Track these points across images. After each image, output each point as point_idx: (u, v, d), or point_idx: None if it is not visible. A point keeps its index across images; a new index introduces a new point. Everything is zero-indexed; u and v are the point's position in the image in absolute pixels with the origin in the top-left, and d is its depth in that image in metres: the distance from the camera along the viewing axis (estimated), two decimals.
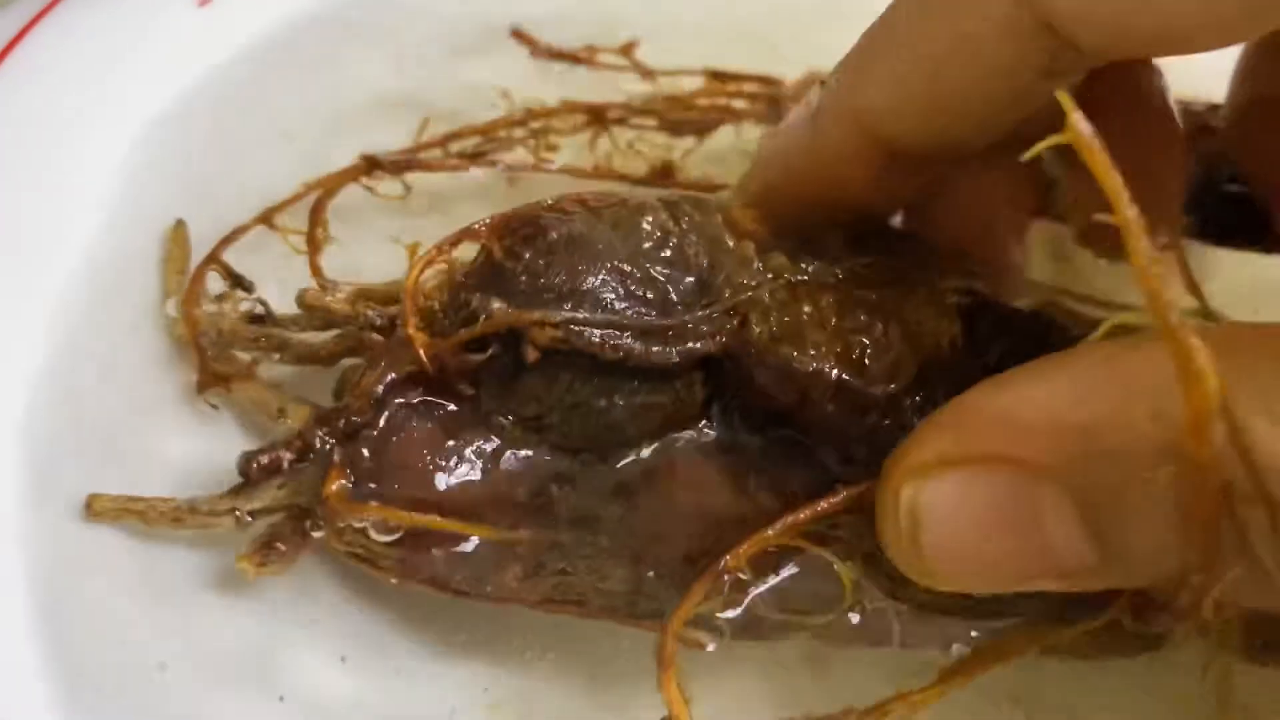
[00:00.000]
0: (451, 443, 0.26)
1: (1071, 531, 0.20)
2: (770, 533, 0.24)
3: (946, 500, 0.21)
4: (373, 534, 0.25)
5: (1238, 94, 0.32)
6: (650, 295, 0.25)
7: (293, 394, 0.28)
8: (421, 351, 0.25)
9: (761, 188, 0.29)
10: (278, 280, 0.31)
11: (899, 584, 0.24)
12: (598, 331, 0.25)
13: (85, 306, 0.31)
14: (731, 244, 0.26)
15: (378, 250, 0.32)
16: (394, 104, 0.36)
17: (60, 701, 0.25)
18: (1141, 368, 0.19)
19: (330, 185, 0.33)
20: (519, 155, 0.35)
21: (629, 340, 0.25)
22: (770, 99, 0.39)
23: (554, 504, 0.25)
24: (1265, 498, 0.18)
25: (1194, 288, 0.31)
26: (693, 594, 0.24)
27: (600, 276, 0.25)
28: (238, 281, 0.30)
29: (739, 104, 0.39)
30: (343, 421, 0.25)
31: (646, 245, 0.26)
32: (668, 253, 0.26)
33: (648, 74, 0.38)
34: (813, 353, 0.25)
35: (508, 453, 0.26)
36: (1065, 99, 0.18)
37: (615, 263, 0.25)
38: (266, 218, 0.32)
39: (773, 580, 0.25)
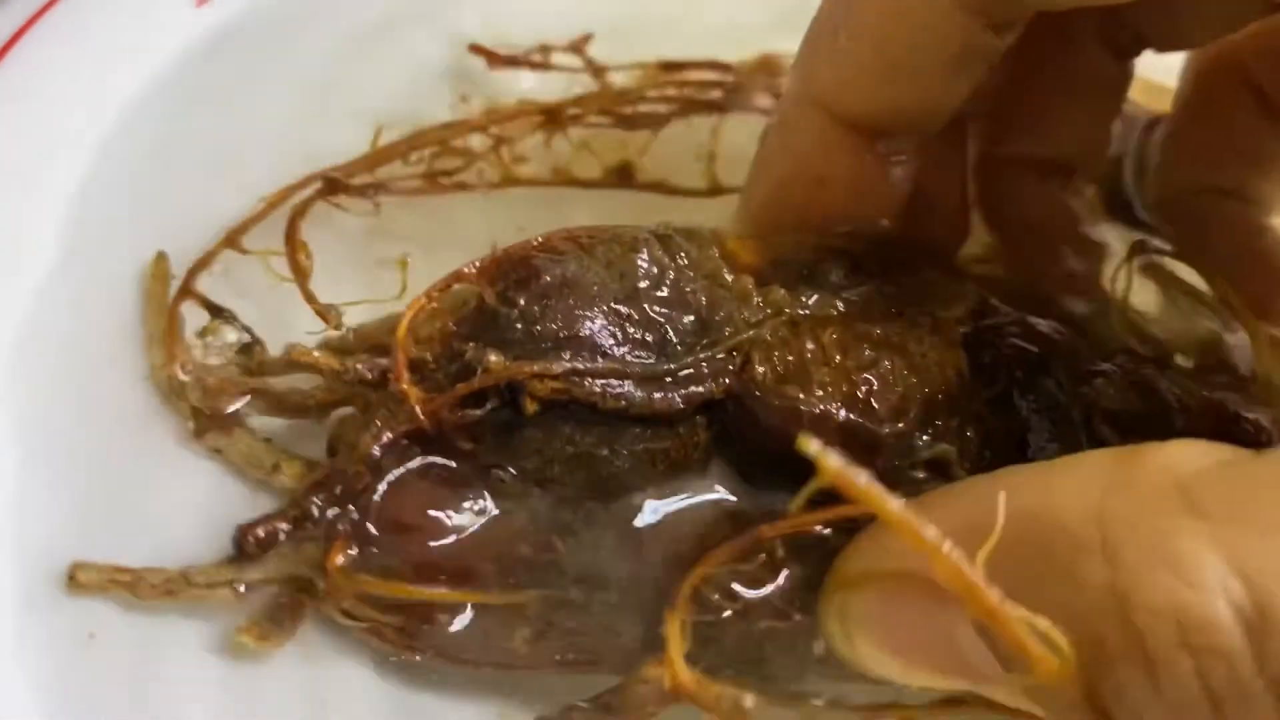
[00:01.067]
0: (452, 501, 0.25)
1: (978, 647, 0.20)
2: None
3: (869, 611, 0.22)
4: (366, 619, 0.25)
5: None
6: (649, 337, 0.25)
7: (283, 446, 0.28)
8: (418, 409, 0.25)
9: (760, 206, 0.29)
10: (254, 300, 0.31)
11: None
12: (598, 381, 0.24)
13: (59, 331, 0.30)
14: (730, 279, 0.26)
15: (347, 260, 0.33)
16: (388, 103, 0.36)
17: None
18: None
19: (286, 200, 0.33)
20: (482, 167, 0.35)
21: (630, 388, 0.25)
22: (723, 86, 0.40)
23: (560, 560, 0.25)
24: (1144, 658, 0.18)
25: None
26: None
27: (597, 320, 0.25)
28: (217, 312, 0.30)
29: (690, 93, 0.39)
30: (339, 487, 0.25)
31: (642, 284, 0.26)
32: (664, 291, 0.26)
33: (599, 70, 0.38)
34: (819, 393, 0.25)
35: (510, 508, 0.25)
36: (805, 444, 0.18)
37: (612, 304, 0.25)
38: (232, 240, 0.31)
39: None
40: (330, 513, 0.25)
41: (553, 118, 0.36)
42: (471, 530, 0.25)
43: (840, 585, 0.23)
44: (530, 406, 0.25)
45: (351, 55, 0.37)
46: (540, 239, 0.26)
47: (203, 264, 0.31)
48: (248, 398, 0.28)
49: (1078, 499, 0.19)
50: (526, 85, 0.38)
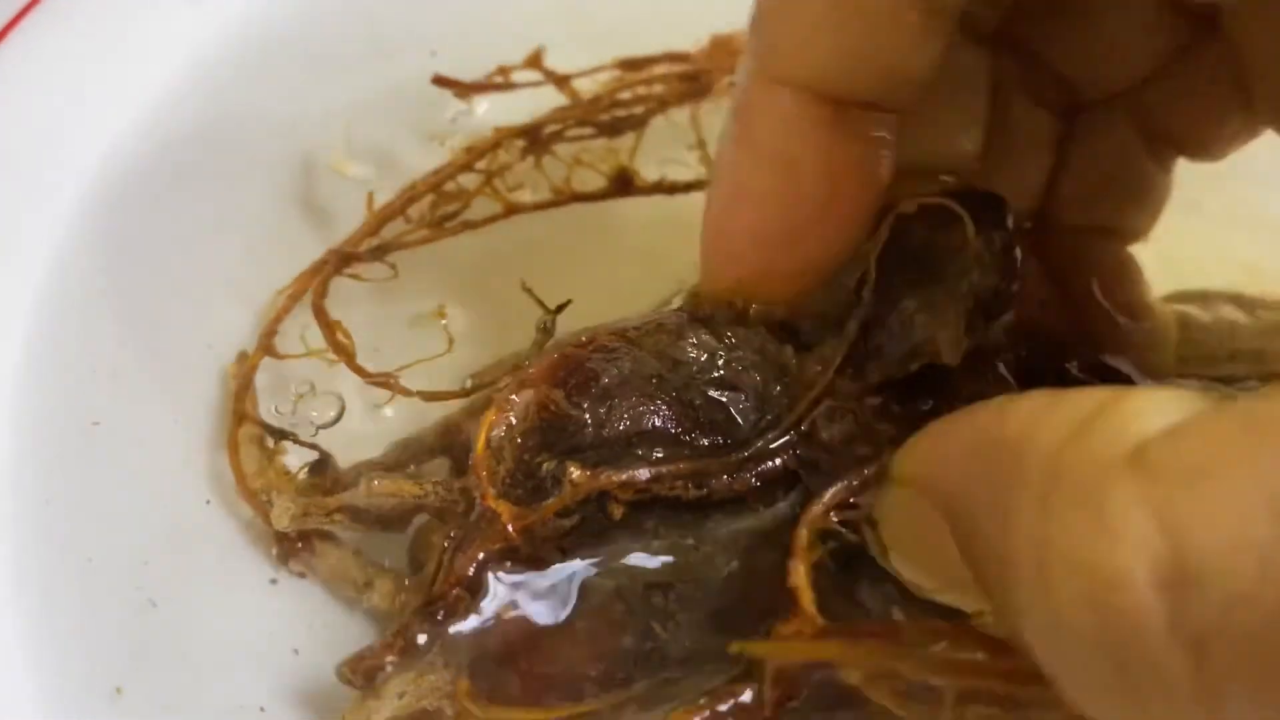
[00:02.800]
0: (550, 610, 0.25)
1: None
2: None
3: (894, 509, 0.23)
4: None
5: None
6: (715, 419, 0.25)
7: (371, 561, 0.27)
8: (511, 527, 0.24)
9: (722, 223, 0.27)
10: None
11: None
12: (679, 480, 0.25)
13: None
14: (774, 352, 0.26)
15: (379, 324, 0.32)
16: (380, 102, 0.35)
17: None
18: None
19: (307, 289, 0.31)
20: (484, 202, 0.34)
21: (710, 479, 0.25)
22: (684, 75, 0.39)
23: (663, 646, 0.25)
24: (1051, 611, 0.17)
25: None
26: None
27: (663, 414, 0.25)
28: (279, 435, 0.29)
29: (659, 88, 0.38)
30: (441, 613, 0.24)
31: (695, 370, 0.26)
32: (719, 373, 0.26)
33: (561, 80, 0.37)
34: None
35: (605, 604, 0.25)
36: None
37: (674, 395, 0.26)
38: (267, 346, 0.30)
39: None
40: (434, 639, 0.25)
41: (534, 139, 0.35)
42: (574, 635, 0.25)
43: (883, 480, 0.23)
44: (617, 512, 0.25)
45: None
46: (587, 337, 0.27)
47: (246, 382, 0.30)
48: (335, 516, 0.27)
49: (1048, 434, 0.18)
50: (496, 112, 0.37)
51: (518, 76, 0.37)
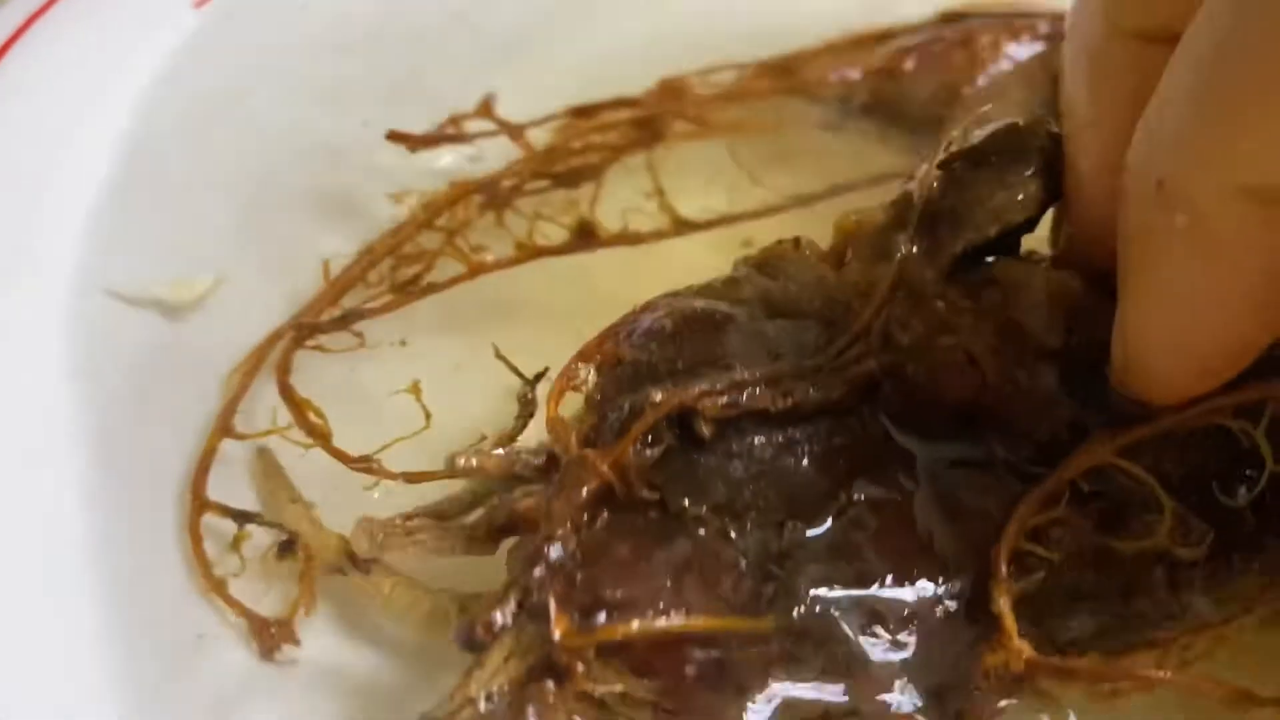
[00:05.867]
0: (656, 556, 0.23)
1: None
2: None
3: None
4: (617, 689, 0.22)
5: None
6: (785, 347, 0.25)
7: (460, 593, 0.25)
8: (599, 463, 0.23)
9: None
10: None
11: None
12: (764, 388, 0.24)
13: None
14: (832, 278, 0.26)
15: (350, 399, 0.30)
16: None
17: None
18: None
19: (262, 363, 0.30)
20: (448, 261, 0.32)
21: (795, 386, 0.24)
22: (636, 121, 0.38)
23: (786, 584, 0.24)
24: None
25: None
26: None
27: (734, 340, 0.25)
28: (242, 518, 0.28)
29: (612, 135, 0.37)
30: (552, 553, 0.23)
31: (757, 308, 0.26)
32: (778, 304, 0.26)
33: (515, 131, 0.36)
34: (969, 335, 0.25)
35: (714, 548, 0.24)
36: None
37: (740, 327, 0.25)
38: (226, 429, 0.28)
39: None
40: (549, 582, 0.23)
41: (492, 193, 0.34)
42: (684, 582, 0.23)
43: None
44: (706, 429, 0.24)
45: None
46: (641, 305, 0.26)
47: (205, 466, 0.28)
48: (417, 535, 0.25)
49: None
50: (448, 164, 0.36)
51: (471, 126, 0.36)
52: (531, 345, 0.28)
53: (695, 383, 0.24)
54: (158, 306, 0.32)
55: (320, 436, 0.27)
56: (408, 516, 0.25)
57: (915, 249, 0.26)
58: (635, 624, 0.23)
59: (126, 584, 0.27)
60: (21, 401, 0.29)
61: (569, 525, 0.23)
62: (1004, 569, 0.23)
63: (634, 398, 0.24)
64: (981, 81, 0.40)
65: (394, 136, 0.33)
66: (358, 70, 0.37)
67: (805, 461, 0.25)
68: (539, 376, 0.27)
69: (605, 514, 0.24)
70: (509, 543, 0.25)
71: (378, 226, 0.34)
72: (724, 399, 0.24)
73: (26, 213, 0.31)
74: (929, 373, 0.25)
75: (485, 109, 0.36)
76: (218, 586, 0.27)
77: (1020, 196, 0.26)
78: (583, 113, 0.37)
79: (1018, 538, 0.24)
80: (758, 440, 0.25)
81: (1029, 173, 0.26)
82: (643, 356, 0.25)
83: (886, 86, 0.40)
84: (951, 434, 0.26)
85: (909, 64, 0.41)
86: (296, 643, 0.26)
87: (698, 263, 0.32)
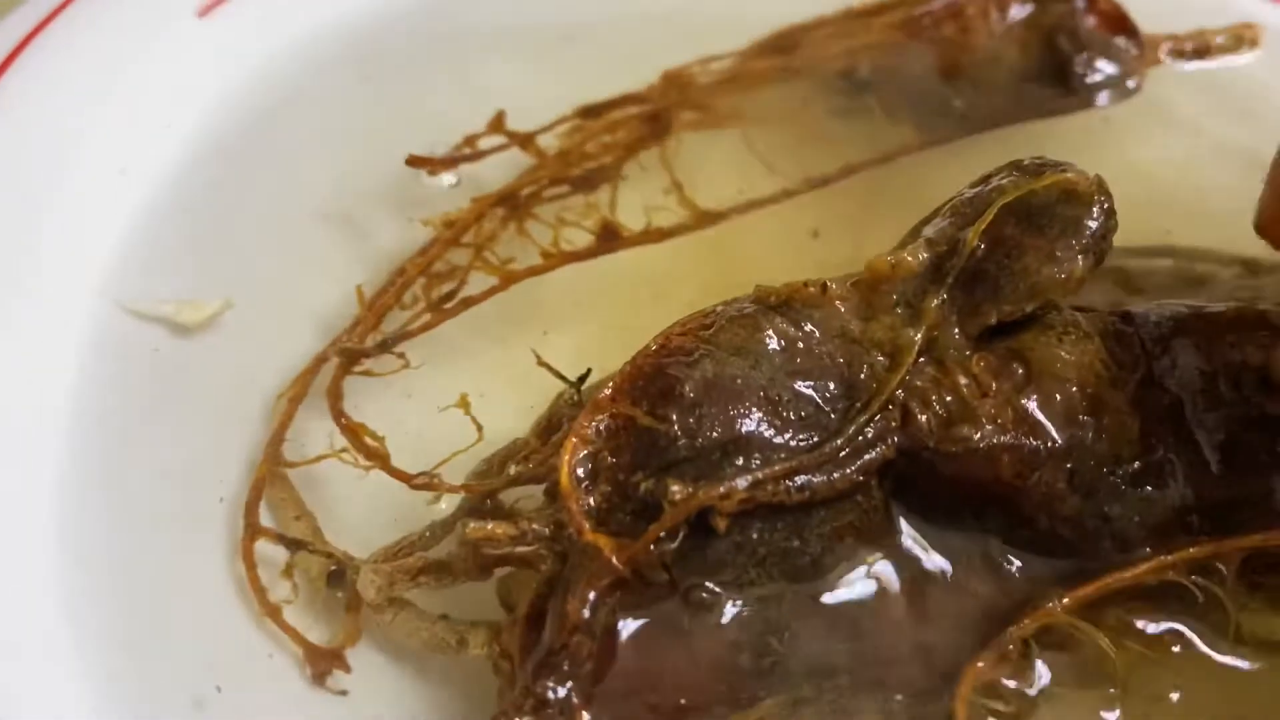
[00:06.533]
0: (665, 636, 0.24)
1: None
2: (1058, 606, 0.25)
3: None
4: None
5: None
6: (803, 414, 0.25)
7: (458, 621, 0.26)
8: (615, 560, 0.23)
9: None
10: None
11: None
12: (781, 483, 0.24)
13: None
14: (857, 331, 0.26)
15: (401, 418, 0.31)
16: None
17: None
18: None
19: (306, 391, 0.30)
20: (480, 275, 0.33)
21: (810, 478, 0.24)
22: (644, 116, 0.38)
23: (783, 660, 0.24)
24: None
25: None
26: (978, 658, 0.24)
27: (753, 414, 0.25)
28: (295, 545, 0.28)
29: (621, 134, 0.38)
30: (566, 663, 0.23)
31: (778, 362, 0.25)
32: (800, 361, 0.25)
33: (526, 140, 0.36)
34: (989, 426, 0.25)
35: (719, 623, 0.24)
36: None
37: (761, 394, 0.25)
38: (275, 459, 0.29)
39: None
40: (565, 690, 0.23)
41: (512, 204, 0.34)
42: (691, 657, 0.24)
43: None
44: (721, 525, 0.24)
45: None
46: (659, 342, 0.25)
47: (255, 498, 0.28)
48: (420, 578, 0.26)
49: None
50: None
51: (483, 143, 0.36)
52: (569, 343, 0.30)
53: (712, 475, 0.24)
54: (168, 325, 0.32)
55: (379, 458, 0.28)
56: (398, 551, 0.26)
57: (948, 310, 0.26)
58: None
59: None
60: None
61: (581, 626, 0.23)
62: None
63: (651, 484, 0.24)
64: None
65: (413, 161, 0.34)
66: (369, 90, 0.38)
67: (811, 542, 0.25)
68: (582, 379, 0.28)
69: (617, 597, 0.24)
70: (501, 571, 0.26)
71: (390, 248, 0.35)
72: (743, 495, 0.24)
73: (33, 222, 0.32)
74: (944, 460, 0.25)
75: (497, 124, 0.36)
76: (274, 613, 0.27)
77: (1065, 276, 0.26)
78: (590, 112, 0.38)
79: (969, 691, 0.24)
80: (769, 527, 0.25)
81: (1079, 248, 0.26)
82: (662, 427, 0.24)
83: (885, 60, 0.41)
84: (950, 512, 0.26)
85: (903, 38, 0.41)
86: (348, 669, 0.27)
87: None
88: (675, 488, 0.23)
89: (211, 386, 0.32)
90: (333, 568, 0.28)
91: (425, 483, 0.27)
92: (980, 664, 0.24)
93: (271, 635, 0.28)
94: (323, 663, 0.27)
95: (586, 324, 0.34)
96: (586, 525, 0.24)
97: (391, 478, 0.28)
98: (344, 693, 0.27)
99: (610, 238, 0.35)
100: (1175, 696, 0.26)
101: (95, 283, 0.33)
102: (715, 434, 0.24)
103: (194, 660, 0.27)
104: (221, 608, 0.28)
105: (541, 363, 0.29)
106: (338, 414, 0.28)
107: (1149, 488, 0.26)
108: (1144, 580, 0.26)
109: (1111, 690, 0.25)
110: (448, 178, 0.37)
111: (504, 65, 0.40)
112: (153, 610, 0.28)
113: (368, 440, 0.28)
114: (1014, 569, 0.26)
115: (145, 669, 0.27)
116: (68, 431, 0.30)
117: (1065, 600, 0.25)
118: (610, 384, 0.25)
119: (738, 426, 0.24)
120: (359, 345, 0.30)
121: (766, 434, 0.24)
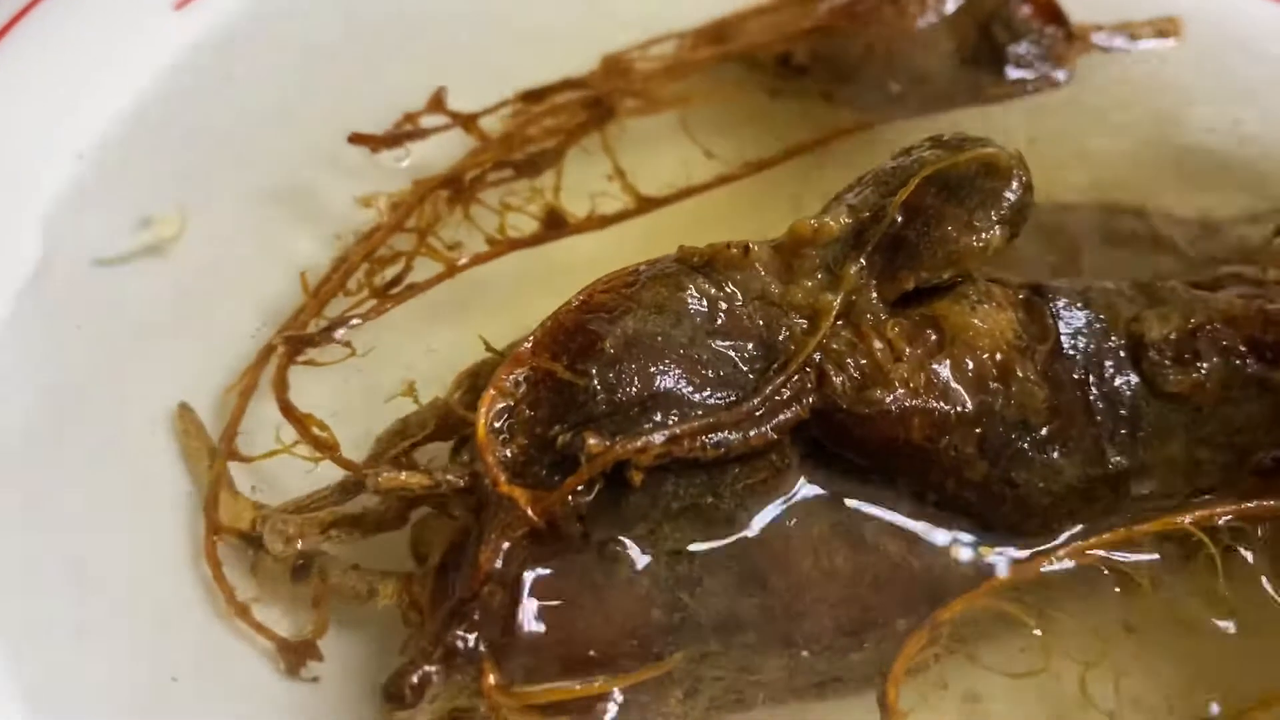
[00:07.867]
0: (578, 588, 0.25)
1: None
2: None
3: None
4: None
5: None
6: (722, 373, 0.25)
7: (369, 569, 0.26)
8: (530, 511, 0.24)
9: None
10: None
11: None
12: (697, 438, 0.24)
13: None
14: (778, 293, 0.26)
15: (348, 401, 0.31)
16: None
17: None
18: None
19: (256, 382, 0.30)
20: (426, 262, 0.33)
21: (726, 435, 0.24)
22: (585, 100, 0.38)
23: (693, 614, 0.25)
24: None
25: None
26: (909, 647, 0.25)
27: (672, 371, 0.25)
28: (259, 545, 0.27)
29: (564, 118, 0.37)
30: (477, 612, 0.24)
31: (699, 321, 0.25)
32: (721, 320, 0.26)
33: (468, 121, 0.36)
34: (901, 390, 0.25)
35: (631, 577, 0.25)
36: None
37: (680, 351, 0.25)
38: (230, 450, 0.28)
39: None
40: (475, 639, 0.24)
41: (457, 187, 0.34)
42: (603, 609, 0.25)
43: None
44: (637, 479, 0.24)
45: None
46: (581, 297, 0.26)
47: (215, 492, 0.28)
48: (331, 531, 0.26)
49: None
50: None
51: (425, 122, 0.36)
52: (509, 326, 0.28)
53: (627, 427, 0.24)
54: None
55: (328, 449, 0.27)
56: (309, 504, 0.26)
57: (867, 276, 0.26)
58: (567, 687, 0.24)
59: None
60: None
61: (492, 577, 0.24)
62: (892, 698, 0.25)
63: (568, 437, 0.24)
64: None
65: (356, 139, 0.33)
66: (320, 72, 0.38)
67: (725, 498, 0.25)
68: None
69: (530, 549, 0.24)
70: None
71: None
72: (660, 449, 0.24)
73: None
74: (856, 422, 0.26)
75: (436, 103, 0.36)
76: (242, 611, 0.27)
77: (983, 245, 0.26)
78: (532, 96, 0.38)
79: (902, 672, 0.25)
80: (684, 483, 0.25)
81: (996, 218, 0.26)
82: (582, 382, 0.25)
83: (822, 45, 0.41)
84: (862, 473, 0.27)
85: (840, 21, 0.42)
86: (320, 658, 0.27)
87: None
88: (592, 441, 0.24)
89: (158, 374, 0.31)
90: (299, 562, 0.27)
91: (369, 471, 0.27)
92: (911, 648, 0.25)
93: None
94: (294, 655, 0.27)
95: (532, 309, 0.34)
96: (502, 476, 0.24)
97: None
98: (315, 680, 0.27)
99: (555, 224, 0.35)
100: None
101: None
102: (634, 390, 0.25)
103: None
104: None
105: (490, 348, 0.29)
106: (285, 406, 0.28)
107: (1055, 455, 0.27)
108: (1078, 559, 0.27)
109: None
110: (399, 156, 0.36)
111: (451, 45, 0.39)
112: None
113: (315, 431, 0.28)
114: (921, 530, 0.27)
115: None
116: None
117: (994, 581, 0.26)
118: (531, 338, 0.25)
119: (656, 383, 0.25)
120: (302, 333, 0.30)
121: (685, 391, 0.25)
